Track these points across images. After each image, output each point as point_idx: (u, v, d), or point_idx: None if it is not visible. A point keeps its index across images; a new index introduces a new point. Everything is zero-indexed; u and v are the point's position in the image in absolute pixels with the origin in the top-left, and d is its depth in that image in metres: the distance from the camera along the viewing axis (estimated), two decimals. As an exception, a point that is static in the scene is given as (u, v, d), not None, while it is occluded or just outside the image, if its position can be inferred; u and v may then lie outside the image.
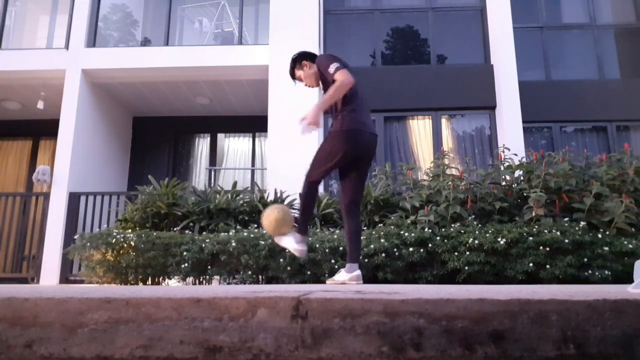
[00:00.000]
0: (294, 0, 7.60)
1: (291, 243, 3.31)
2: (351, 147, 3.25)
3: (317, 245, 4.46)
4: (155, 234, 4.90)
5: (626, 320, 1.12)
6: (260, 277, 4.68)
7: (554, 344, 1.12)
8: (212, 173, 8.86)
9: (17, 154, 9.22)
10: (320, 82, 3.51)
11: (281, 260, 4.47)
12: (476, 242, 4.27)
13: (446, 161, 5.35)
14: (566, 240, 4.19)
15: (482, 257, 4.22)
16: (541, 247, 4.21)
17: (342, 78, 3.16)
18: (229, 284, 4.69)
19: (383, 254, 4.35)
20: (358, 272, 3.31)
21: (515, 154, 5.53)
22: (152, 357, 1.18)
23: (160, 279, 4.99)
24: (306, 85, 3.59)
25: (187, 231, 5.17)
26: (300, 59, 3.56)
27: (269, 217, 3.31)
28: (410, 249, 4.37)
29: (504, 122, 7.32)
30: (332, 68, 3.21)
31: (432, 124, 7.78)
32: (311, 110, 3.14)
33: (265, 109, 7.27)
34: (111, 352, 1.19)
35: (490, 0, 7.97)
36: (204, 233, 4.97)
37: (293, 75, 3.60)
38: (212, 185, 8.11)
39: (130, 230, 5.20)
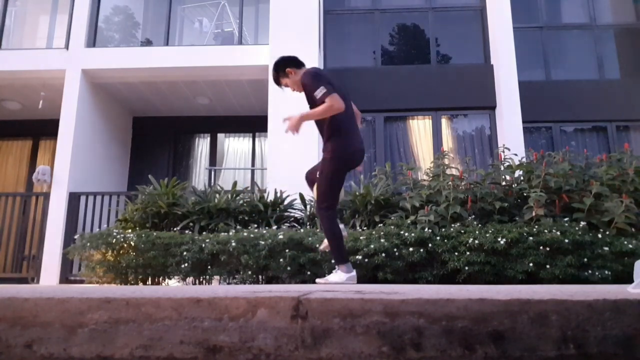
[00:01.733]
0: (294, 0, 7.60)
1: (340, 277, 3.36)
2: (347, 164, 3.45)
3: (317, 245, 4.46)
4: (155, 234, 4.90)
5: (626, 320, 1.12)
6: (260, 277, 4.68)
7: (554, 344, 1.12)
8: (212, 173, 8.86)
9: (17, 154, 9.22)
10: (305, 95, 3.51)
11: (281, 260, 4.47)
12: (476, 242, 4.27)
13: (446, 161, 5.35)
14: (566, 240, 4.19)
15: (482, 257, 4.22)
16: (541, 247, 4.21)
17: (332, 103, 3.19)
18: (229, 284, 4.69)
19: (383, 254, 4.35)
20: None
21: (515, 154, 5.53)
22: (152, 357, 1.18)
23: (160, 279, 4.99)
24: (293, 90, 3.61)
25: (187, 231, 5.17)
26: (283, 66, 3.54)
27: None
28: (410, 249, 4.37)
29: (504, 122, 7.31)
30: (319, 93, 3.20)
31: (432, 124, 7.79)
32: (296, 117, 3.21)
33: (265, 109, 7.27)
34: (111, 352, 1.19)
35: (490, 0, 7.97)
36: (204, 233, 4.97)
37: (278, 82, 3.62)
38: (212, 185, 8.11)
39: (130, 230, 5.20)
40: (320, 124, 3.47)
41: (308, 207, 5.51)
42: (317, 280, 3.54)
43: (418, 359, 1.13)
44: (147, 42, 8.73)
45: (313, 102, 3.33)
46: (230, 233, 4.81)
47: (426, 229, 4.52)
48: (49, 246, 6.90)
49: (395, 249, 4.39)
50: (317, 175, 3.45)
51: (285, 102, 7.07)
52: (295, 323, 1.17)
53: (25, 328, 1.23)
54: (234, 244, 4.56)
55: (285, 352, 1.16)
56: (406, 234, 4.44)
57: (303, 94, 3.45)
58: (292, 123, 3.21)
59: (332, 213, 3.44)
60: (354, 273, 3.39)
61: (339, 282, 3.33)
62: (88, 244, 5.01)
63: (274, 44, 7.38)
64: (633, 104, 7.79)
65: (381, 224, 4.85)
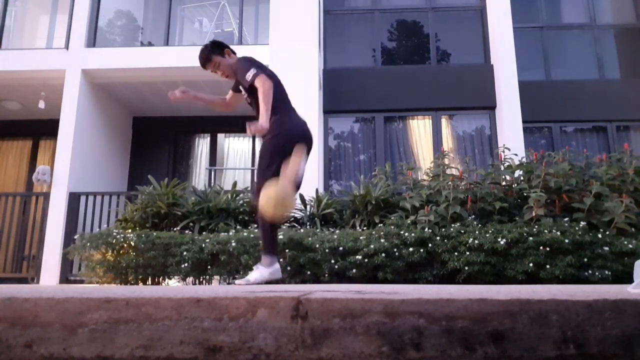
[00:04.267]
0: (294, 0, 7.60)
1: (262, 273, 3.16)
2: (303, 139, 3.23)
3: (317, 246, 4.46)
4: (155, 234, 4.90)
5: (626, 320, 1.12)
6: (260, 277, 4.67)
7: (554, 344, 1.12)
8: (212, 173, 8.86)
9: (17, 154, 9.22)
10: (234, 78, 3.43)
11: (281, 260, 4.47)
12: (476, 242, 4.27)
13: (446, 161, 5.35)
14: (566, 240, 4.19)
15: (482, 257, 4.22)
16: (541, 247, 4.21)
17: (261, 84, 3.14)
18: (229, 284, 4.69)
19: (383, 254, 4.35)
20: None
21: (515, 154, 5.53)
22: (152, 357, 1.18)
23: (160, 279, 4.99)
24: (222, 74, 3.46)
25: (187, 231, 5.17)
26: (221, 47, 3.45)
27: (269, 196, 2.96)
28: (410, 249, 4.37)
29: (504, 122, 7.32)
30: (249, 75, 3.18)
31: (432, 124, 7.79)
32: (260, 125, 3.07)
33: (265, 109, 7.27)
34: (111, 352, 1.19)
35: (490, 0, 7.97)
36: (204, 233, 4.97)
37: (208, 60, 3.41)
38: (212, 185, 8.11)
39: (130, 230, 5.20)
40: (255, 106, 3.34)
41: (308, 207, 5.51)
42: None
43: (418, 359, 1.13)
44: (147, 42, 8.73)
45: (242, 87, 3.34)
46: (230, 233, 4.81)
47: (426, 229, 4.52)
48: (49, 246, 6.90)
49: (395, 249, 4.39)
50: (258, 160, 3.29)
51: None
52: (295, 323, 1.17)
53: (25, 328, 1.23)
54: (234, 244, 4.56)
55: (285, 352, 1.16)
56: (406, 234, 4.43)
57: (229, 80, 3.42)
58: (258, 129, 3.08)
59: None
60: (277, 266, 3.21)
61: (261, 279, 3.12)
62: (88, 244, 5.01)
63: (274, 44, 7.38)
64: (633, 104, 7.79)
65: (381, 224, 4.85)
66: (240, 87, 3.46)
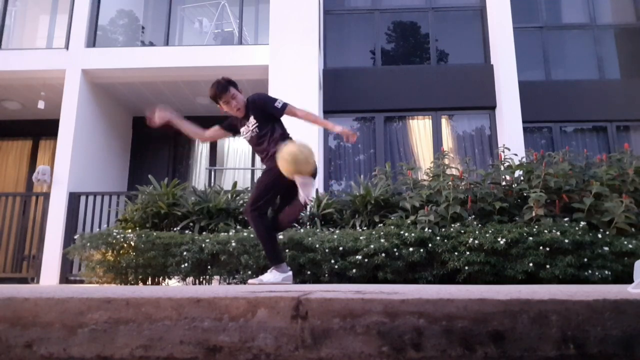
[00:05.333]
0: (294, 0, 7.60)
1: (276, 276, 3.34)
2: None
3: (317, 246, 4.46)
4: (155, 234, 4.90)
5: (626, 320, 1.12)
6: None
7: (554, 344, 1.12)
8: (212, 173, 8.85)
9: (17, 154, 9.22)
10: (242, 113, 3.53)
11: (281, 260, 4.47)
12: (476, 242, 4.27)
13: (446, 161, 5.35)
14: (566, 240, 4.19)
15: (482, 257, 4.22)
16: (541, 247, 4.21)
17: (296, 109, 3.43)
18: (229, 284, 4.68)
19: (383, 254, 4.35)
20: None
21: (515, 154, 5.53)
22: (152, 357, 1.18)
23: (160, 279, 4.99)
24: (234, 107, 3.51)
25: (187, 231, 5.17)
26: (235, 83, 3.58)
27: (288, 154, 3.14)
28: (410, 249, 4.37)
29: (504, 122, 7.31)
30: (279, 103, 3.43)
31: (432, 124, 7.78)
32: (342, 129, 3.40)
33: (265, 109, 7.27)
34: (111, 352, 1.19)
35: (490, 0, 7.97)
36: (204, 233, 4.97)
37: (226, 89, 3.51)
38: (212, 185, 8.10)
39: (130, 230, 5.20)
40: (264, 136, 3.46)
41: (308, 207, 5.51)
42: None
43: (418, 359, 1.13)
44: (149, 42, 8.73)
45: (265, 116, 3.46)
46: (230, 233, 4.81)
47: (426, 229, 4.52)
48: (49, 246, 6.90)
49: (395, 249, 4.39)
50: (260, 176, 3.47)
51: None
52: (295, 323, 1.17)
53: (25, 328, 1.23)
54: (234, 244, 4.56)
55: (285, 352, 1.16)
56: (406, 234, 4.43)
57: (235, 114, 3.55)
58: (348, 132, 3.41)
59: (263, 216, 3.42)
60: (289, 273, 3.40)
61: (274, 281, 3.29)
62: (88, 244, 5.01)
63: (274, 44, 7.38)
64: (633, 104, 7.79)
65: (381, 224, 4.85)
66: (247, 126, 3.54)
